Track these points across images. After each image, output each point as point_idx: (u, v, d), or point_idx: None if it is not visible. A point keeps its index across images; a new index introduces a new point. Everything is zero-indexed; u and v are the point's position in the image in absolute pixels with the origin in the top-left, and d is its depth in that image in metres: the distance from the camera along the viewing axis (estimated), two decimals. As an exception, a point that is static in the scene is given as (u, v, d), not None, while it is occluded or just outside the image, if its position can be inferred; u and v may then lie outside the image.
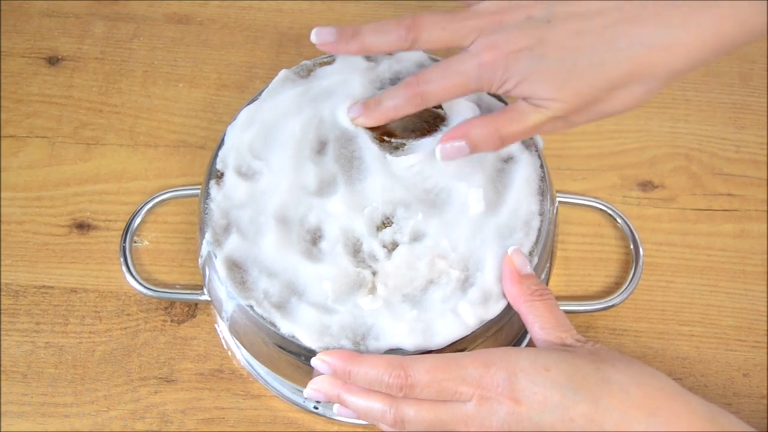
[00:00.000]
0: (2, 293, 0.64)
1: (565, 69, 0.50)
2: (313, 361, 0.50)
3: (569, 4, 0.51)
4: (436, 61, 0.61)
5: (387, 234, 0.54)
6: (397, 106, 0.54)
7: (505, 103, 0.58)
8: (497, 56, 0.51)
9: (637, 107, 0.52)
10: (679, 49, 0.50)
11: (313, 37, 0.54)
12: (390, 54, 0.60)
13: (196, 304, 0.63)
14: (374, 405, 0.48)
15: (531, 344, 0.52)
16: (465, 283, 0.52)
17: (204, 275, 0.56)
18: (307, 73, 0.60)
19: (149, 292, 0.62)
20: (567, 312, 0.60)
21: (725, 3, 0.49)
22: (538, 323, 0.50)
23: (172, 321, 0.63)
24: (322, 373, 0.50)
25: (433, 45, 0.53)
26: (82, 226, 0.66)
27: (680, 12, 0.49)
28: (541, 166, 0.57)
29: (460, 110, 0.57)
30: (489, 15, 0.52)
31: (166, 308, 0.63)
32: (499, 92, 0.52)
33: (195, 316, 0.63)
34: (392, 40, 0.53)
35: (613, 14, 0.50)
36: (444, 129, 0.56)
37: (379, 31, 0.53)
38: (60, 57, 0.74)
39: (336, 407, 0.50)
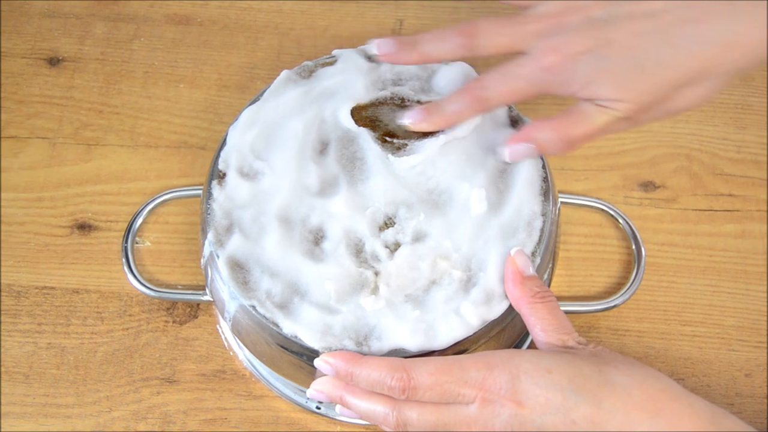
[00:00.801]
0: (4, 294, 0.64)
1: (630, 69, 0.50)
2: (316, 362, 0.50)
3: (630, 3, 0.50)
4: None
5: (389, 234, 0.54)
6: (459, 110, 0.54)
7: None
8: (559, 59, 0.50)
9: (702, 104, 0.52)
10: (745, 44, 0.49)
11: (374, 49, 0.54)
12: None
13: (198, 305, 0.63)
14: (376, 407, 0.48)
15: (533, 345, 0.52)
16: (467, 284, 0.52)
17: (206, 275, 0.56)
18: (309, 73, 0.60)
19: (151, 293, 0.62)
20: (569, 312, 0.60)
21: None
22: (539, 325, 0.50)
23: (174, 322, 0.63)
24: (325, 374, 0.50)
25: (493, 51, 0.52)
26: (84, 227, 0.66)
27: (745, 7, 0.49)
28: (544, 167, 0.57)
29: None
30: (547, 18, 0.52)
31: (168, 309, 0.63)
32: (565, 95, 0.51)
33: (197, 317, 0.63)
34: (451, 47, 0.53)
35: (676, 12, 0.50)
36: (446, 130, 0.56)
37: (438, 40, 0.53)
38: (61, 58, 0.74)
39: (338, 408, 0.50)
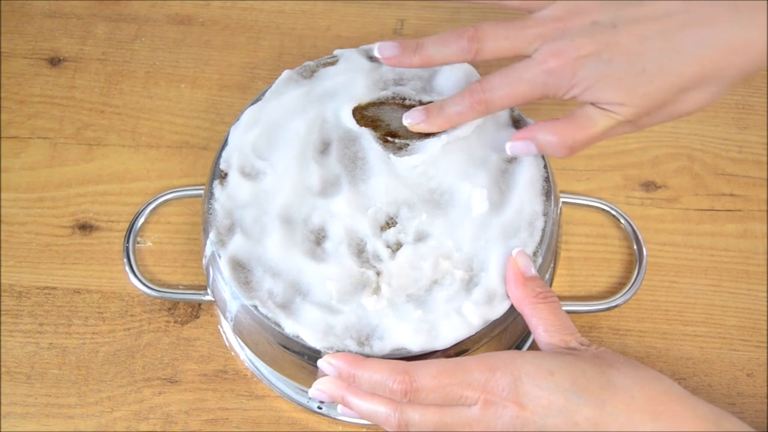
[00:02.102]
0: (5, 294, 0.64)
1: (633, 73, 0.50)
2: (320, 363, 0.50)
3: (634, 7, 0.50)
4: None
5: (391, 234, 0.54)
6: (460, 112, 0.54)
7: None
8: (563, 63, 0.50)
9: (705, 108, 0.52)
10: (749, 48, 0.49)
11: (377, 52, 0.54)
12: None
13: (199, 305, 0.63)
14: (378, 408, 0.48)
15: (535, 345, 0.52)
16: (469, 284, 0.52)
17: (208, 275, 0.56)
18: (311, 73, 0.60)
19: (153, 293, 0.62)
20: (570, 312, 0.60)
21: None
22: (542, 326, 0.50)
23: (175, 322, 0.63)
24: (327, 374, 0.50)
25: (497, 54, 0.52)
26: (85, 227, 0.66)
27: (749, 11, 0.49)
28: (545, 167, 0.57)
29: None
30: (552, 21, 0.52)
31: (169, 309, 0.63)
32: (566, 98, 0.51)
33: (198, 317, 0.63)
34: (454, 51, 0.53)
35: (680, 16, 0.50)
36: (448, 129, 0.56)
37: (441, 43, 0.53)
38: (62, 58, 0.74)
39: (339, 407, 0.50)
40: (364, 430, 0.59)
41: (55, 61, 0.74)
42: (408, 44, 0.54)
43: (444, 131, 0.56)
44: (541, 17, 0.52)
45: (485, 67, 0.55)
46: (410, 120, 0.55)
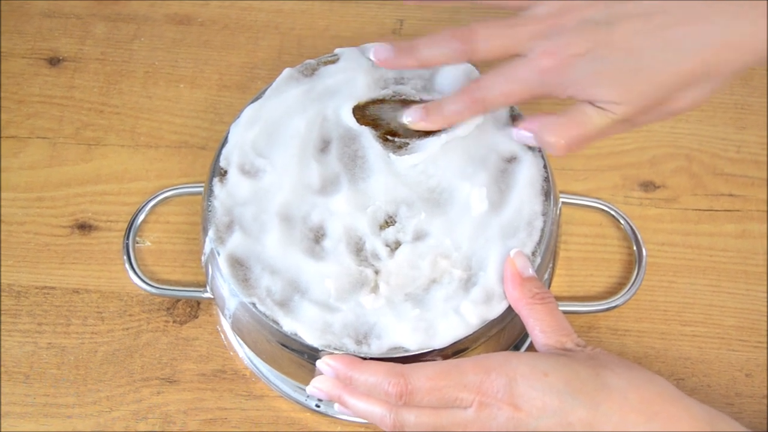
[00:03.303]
0: (4, 294, 0.64)
1: (628, 71, 0.49)
2: (318, 364, 0.50)
3: (627, 5, 0.50)
4: None
5: (390, 233, 0.54)
6: (458, 111, 0.54)
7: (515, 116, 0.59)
8: (556, 62, 0.50)
9: (701, 105, 0.51)
10: (745, 44, 0.49)
11: (372, 56, 0.54)
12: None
13: (198, 305, 0.63)
14: (374, 409, 0.48)
15: (532, 345, 0.52)
16: (467, 283, 0.52)
17: (207, 273, 0.56)
18: (311, 71, 0.60)
19: (152, 289, 0.61)
20: (569, 313, 0.60)
21: None
22: (539, 326, 0.50)
23: (174, 321, 0.63)
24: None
25: (491, 55, 0.52)
26: (84, 227, 0.66)
27: (744, 7, 0.49)
28: (545, 167, 0.57)
29: None
30: (544, 20, 0.51)
31: (168, 309, 0.63)
32: (563, 97, 0.51)
33: (197, 317, 0.63)
34: (448, 52, 0.52)
35: (674, 13, 0.49)
36: (448, 129, 0.56)
37: (434, 45, 0.53)
38: (61, 58, 0.74)
39: (336, 405, 0.50)
40: (363, 429, 0.59)
41: (54, 61, 0.74)
42: (402, 47, 0.53)
43: (444, 130, 0.56)
44: (535, 15, 0.52)
45: (488, 65, 0.55)
46: (410, 118, 0.55)
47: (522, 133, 0.55)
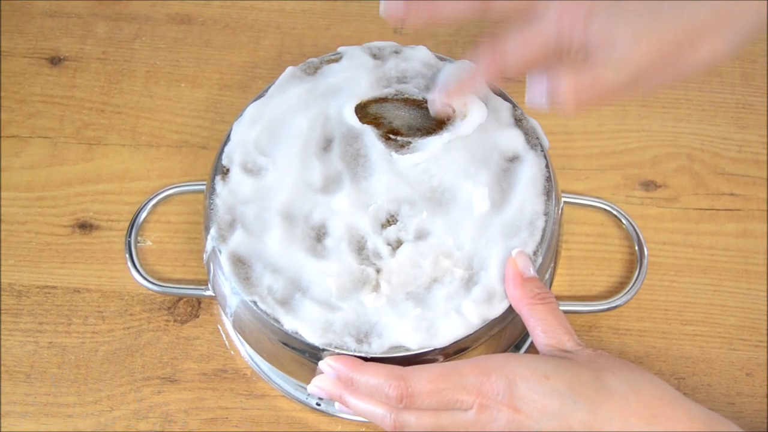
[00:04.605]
0: (5, 293, 0.64)
1: (645, 21, 0.48)
2: (320, 364, 0.50)
3: None
4: (442, 60, 0.60)
5: (391, 232, 0.54)
6: (475, 77, 0.54)
7: (512, 104, 0.58)
8: (575, 18, 0.49)
9: (718, 63, 0.50)
10: None
11: (383, 11, 0.53)
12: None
13: (199, 304, 0.63)
14: (375, 409, 0.48)
15: (533, 345, 0.52)
16: (469, 282, 0.52)
17: (208, 271, 0.56)
18: (314, 70, 0.60)
19: (153, 287, 0.61)
20: (571, 312, 0.60)
21: None
22: (539, 327, 0.50)
23: (175, 321, 0.63)
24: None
25: (506, 10, 0.51)
26: (85, 226, 0.66)
27: None
28: (547, 166, 0.57)
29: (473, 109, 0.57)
30: None
31: (169, 308, 0.63)
32: (579, 57, 0.50)
33: (198, 316, 0.63)
34: (464, 6, 0.52)
35: None
36: (450, 128, 0.56)
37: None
38: (62, 57, 0.74)
39: (337, 404, 0.50)
40: (363, 429, 0.59)
41: (55, 61, 0.74)
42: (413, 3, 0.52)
43: (446, 130, 0.55)
44: None
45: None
46: (432, 96, 0.56)
47: (533, 94, 0.52)
